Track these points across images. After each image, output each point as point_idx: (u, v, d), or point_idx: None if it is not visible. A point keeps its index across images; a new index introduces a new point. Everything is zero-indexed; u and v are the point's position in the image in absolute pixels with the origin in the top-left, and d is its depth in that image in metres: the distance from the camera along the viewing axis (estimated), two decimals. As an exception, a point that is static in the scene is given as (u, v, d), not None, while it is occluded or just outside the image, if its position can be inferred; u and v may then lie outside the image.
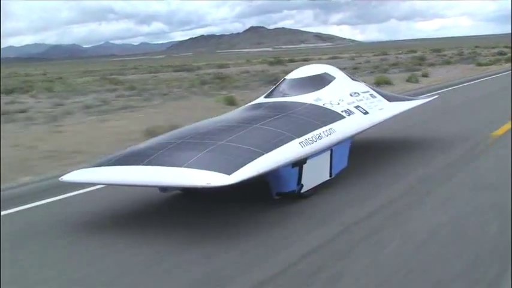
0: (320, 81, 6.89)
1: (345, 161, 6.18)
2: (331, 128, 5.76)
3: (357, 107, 6.61)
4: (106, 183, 5.39)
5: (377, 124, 6.88)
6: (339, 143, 5.88)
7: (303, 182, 5.37)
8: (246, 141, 5.00)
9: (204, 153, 4.76)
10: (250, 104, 6.98)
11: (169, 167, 4.66)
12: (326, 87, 6.79)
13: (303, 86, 6.80)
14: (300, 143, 5.21)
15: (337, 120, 6.04)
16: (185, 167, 4.57)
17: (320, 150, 5.50)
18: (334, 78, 7.07)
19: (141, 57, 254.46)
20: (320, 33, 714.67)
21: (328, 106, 6.33)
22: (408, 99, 8.09)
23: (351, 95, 6.85)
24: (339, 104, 6.47)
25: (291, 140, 5.18)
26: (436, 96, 9.76)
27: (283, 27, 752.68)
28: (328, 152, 5.74)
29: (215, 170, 4.43)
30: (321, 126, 5.68)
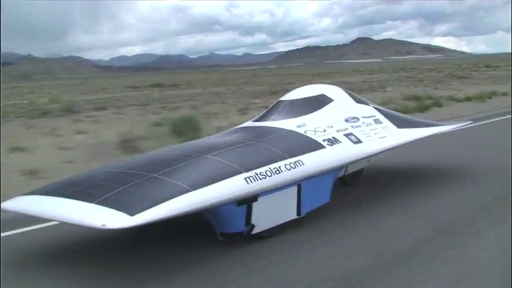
0: (314, 104, 6.14)
1: (326, 196, 5.39)
2: (298, 161, 4.99)
3: (348, 134, 5.78)
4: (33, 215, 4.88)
5: (374, 155, 6.00)
6: (314, 177, 5.10)
7: (253, 221, 4.68)
8: (180, 175, 4.41)
9: (126, 187, 4.25)
10: (234, 127, 6.36)
11: (82, 202, 4.17)
12: (318, 111, 6.04)
13: (294, 109, 6.12)
14: (246, 178, 4.52)
15: (313, 150, 5.26)
16: (95, 203, 4.08)
17: (279, 186, 4.76)
18: (332, 100, 6.27)
19: (252, 67, 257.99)
20: (429, 44, 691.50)
21: (309, 134, 5.56)
22: (430, 125, 7.04)
23: (346, 121, 6.02)
24: (324, 131, 5.68)
25: (236, 175, 4.50)
26: (470, 122, 8.49)
27: (390, 39, 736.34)
28: (294, 188, 4.98)
29: (119, 209, 3.91)
30: (286, 158, 4.94)
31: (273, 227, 4.89)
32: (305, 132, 5.59)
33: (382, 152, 6.16)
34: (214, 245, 4.68)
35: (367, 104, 6.68)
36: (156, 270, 4.27)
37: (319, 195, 5.32)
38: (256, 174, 4.61)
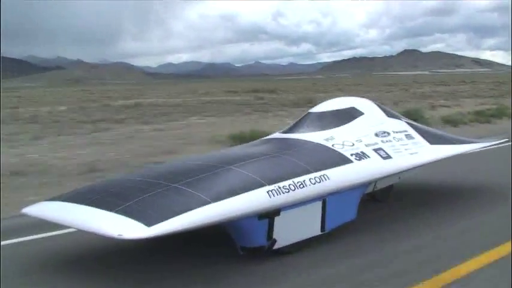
0: (343, 117, 6.02)
1: (352, 212, 5.26)
2: (324, 175, 4.88)
3: (377, 149, 5.62)
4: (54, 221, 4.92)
5: (403, 171, 5.83)
6: (340, 192, 4.99)
7: (275, 236, 4.58)
8: (201, 186, 4.36)
9: (146, 197, 4.24)
10: (262, 138, 6.30)
11: (101, 210, 4.18)
12: (347, 124, 5.92)
13: (323, 121, 6.01)
14: (268, 192, 4.43)
15: (340, 165, 5.14)
16: (114, 211, 4.08)
17: (302, 200, 4.67)
18: (362, 114, 6.14)
19: (297, 77, 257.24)
20: (478, 58, 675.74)
21: (337, 147, 5.44)
22: (465, 142, 6.80)
23: (376, 135, 5.87)
24: (353, 145, 5.54)
25: (258, 188, 4.42)
26: (506, 139, 8.15)
27: (438, 51, 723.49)
28: (319, 203, 4.87)
29: (137, 219, 3.88)
30: (310, 172, 4.83)
31: (295, 243, 4.80)
32: (333, 145, 5.48)
33: (412, 168, 5.97)
34: (234, 259, 4.61)
35: (399, 118, 6.51)
36: (169, 283, 4.24)
37: (345, 211, 5.20)
38: (279, 187, 4.52)
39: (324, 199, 4.90)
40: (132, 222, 3.86)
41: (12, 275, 4.49)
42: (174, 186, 4.39)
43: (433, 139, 6.34)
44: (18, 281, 4.40)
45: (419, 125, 6.74)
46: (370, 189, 5.93)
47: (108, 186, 4.73)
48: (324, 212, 4.94)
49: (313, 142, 5.53)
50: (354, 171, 5.19)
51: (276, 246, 4.63)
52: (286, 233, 4.65)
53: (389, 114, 6.45)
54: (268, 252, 4.62)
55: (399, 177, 6.34)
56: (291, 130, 6.12)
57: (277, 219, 4.55)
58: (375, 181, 5.62)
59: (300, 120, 6.30)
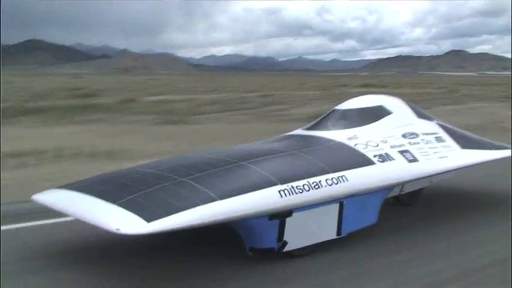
0: (370, 116, 5.72)
1: (372, 216, 4.98)
2: (342, 176, 4.61)
3: (403, 151, 5.31)
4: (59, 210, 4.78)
5: (430, 176, 5.50)
6: (359, 195, 4.72)
7: (286, 238, 4.35)
8: (210, 182, 4.17)
9: (151, 190, 4.07)
10: (283, 134, 6.05)
11: (104, 202, 4.03)
12: (373, 124, 5.62)
13: (348, 119, 5.74)
14: (280, 191, 4.20)
15: (361, 166, 4.86)
16: (117, 204, 3.92)
17: (317, 202, 4.42)
18: (391, 113, 5.82)
19: (342, 74, 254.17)
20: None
21: (359, 147, 5.16)
22: (501, 147, 6.37)
23: (403, 136, 5.55)
24: (377, 145, 5.25)
25: (269, 187, 4.20)
26: None
27: (486, 53, 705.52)
28: (335, 205, 4.61)
29: (138, 214, 3.72)
30: (328, 172, 4.58)
31: (308, 246, 4.55)
32: (355, 145, 5.19)
33: (440, 173, 5.63)
34: (242, 259, 4.41)
35: (430, 119, 6.15)
36: (171, 278, 4.09)
37: (365, 215, 4.91)
38: (292, 187, 4.28)
39: (341, 201, 4.63)
40: (131, 217, 3.70)
41: (12, 261, 4.44)
42: (182, 180, 4.21)
43: (466, 143, 5.97)
44: (18, 266, 4.36)
45: (452, 127, 6.37)
46: (396, 193, 5.64)
47: (117, 177, 4.58)
48: (341, 215, 4.68)
49: (334, 141, 5.27)
50: (375, 173, 4.91)
51: (286, 249, 4.40)
52: (298, 235, 4.42)
53: (420, 115, 6.10)
54: (278, 255, 4.40)
55: (430, 181, 6.02)
56: (314, 127, 5.86)
57: (288, 221, 4.32)
58: (399, 185, 5.31)
59: (324, 116, 6.04)
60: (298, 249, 4.48)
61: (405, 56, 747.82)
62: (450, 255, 4.68)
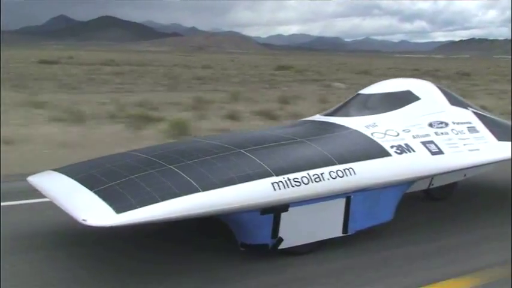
0: (394, 102, 5.20)
1: (387, 213, 4.52)
2: (349, 168, 4.16)
3: (426, 142, 4.77)
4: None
5: (460, 170, 4.96)
6: (371, 190, 4.27)
7: (281, 235, 3.98)
8: (198, 170, 3.84)
9: (133, 178, 3.79)
10: (300, 120, 5.64)
11: (84, 188, 3.79)
12: (397, 110, 5.09)
13: (370, 104, 5.27)
14: (273, 183, 3.82)
15: (374, 158, 4.38)
16: (94, 191, 3.67)
17: (317, 196, 4.01)
18: (419, 99, 5.26)
19: (414, 55, 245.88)
20: None
21: (376, 137, 4.67)
22: None
23: (430, 125, 4.99)
24: (397, 135, 4.74)
25: (262, 178, 3.82)
26: None
27: None
28: (342, 200, 4.18)
29: (110, 204, 3.45)
30: (333, 164, 4.14)
31: (308, 244, 4.16)
32: (372, 134, 4.70)
33: (471, 167, 5.06)
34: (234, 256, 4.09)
35: (465, 107, 5.52)
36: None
37: (378, 212, 4.44)
38: (289, 179, 3.88)
39: (349, 196, 4.19)
40: (102, 207, 3.45)
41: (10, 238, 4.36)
42: (168, 168, 3.90)
43: (504, 134, 5.33)
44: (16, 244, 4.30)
45: (492, 116, 5.73)
46: (424, 186, 5.15)
47: (108, 162, 4.34)
48: (348, 211, 4.24)
49: (350, 128, 4.80)
50: (390, 166, 4.42)
51: (282, 246, 4.03)
52: (295, 231, 4.05)
53: (454, 102, 5.48)
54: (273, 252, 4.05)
55: (465, 175, 5.47)
56: (333, 112, 5.40)
57: (284, 216, 3.93)
58: (421, 179, 4.78)
59: (347, 101, 5.56)
60: (297, 246, 4.10)
61: (478, 38, 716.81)
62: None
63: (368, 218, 4.39)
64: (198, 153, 4.13)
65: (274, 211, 3.89)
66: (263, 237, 3.95)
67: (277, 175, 3.87)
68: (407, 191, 4.82)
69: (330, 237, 4.23)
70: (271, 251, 4.01)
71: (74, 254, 4.15)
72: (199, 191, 3.58)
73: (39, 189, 4.21)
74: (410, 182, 4.64)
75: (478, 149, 4.98)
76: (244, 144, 4.33)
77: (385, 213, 4.50)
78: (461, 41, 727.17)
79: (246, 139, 4.58)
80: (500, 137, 5.24)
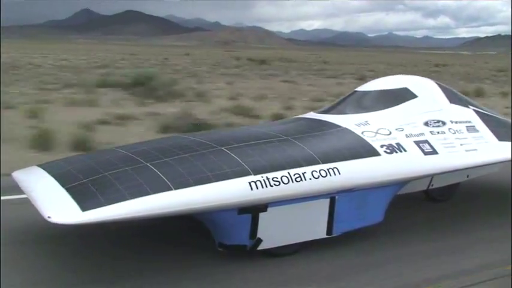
0: (390, 99, 5.01)
1: (376, 214, 4.35)
2: (333, 168, 3.99)
3: (420, 142, 4.57)
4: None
5: (456, 170, 4.75)
6: (358, 190, 4.10)
7: (260, 235, 3.83)
8: (173, 168, 3.73)
9: (106, 175, 3.71)
10: (293, 117, 5.48)
11: (58, 185, 3.72)
12: (391, 108, 4.91)
13: (365, 102, 5.11)
14: (250, 183, 3.67)
15: (360, 157, 4.20)
16: (65, 188, 3.60)
17: (298, 196, 3.85)
18: (415, 97, 5.05)
19: (439, 52, 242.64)
20: None
21: (367, 135, 4.48)
22: None
23: (426, 124, 4.78)
24: (389, 134, 4.55)
25: (239, 177, 3.68)
26: None
27: None
28: (325, 201, 4.01)
29: (77, 201, 3.38)
30: (317, 163, 3.97)
31: (289, 245, 4.01)
32: (362, 133, 4.51)
33: (465, 168, 4.84)
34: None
35: (466, 105, 5.29)
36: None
37: (366, 213, 4.27)
38: (267, 179, 3.73)
39: (333, 197, 4.02)
40: (68, 205, 3.37)
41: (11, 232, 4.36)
42: (145, 165, 3.78)
43: (506, 134, 5.09)
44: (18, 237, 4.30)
45: (495, 115, 5.48)
46: (423, 187, 4.97)
47: (89, 158, 4.28)
48: (332, 212, 4.06)
49: (340, 127, 4.62)
50: (378, 166, 4.24)
51: (261, 247, 3.89)
52: (275, 232, 3.91)
53: (454, 100, 5.25)
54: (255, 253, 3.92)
55: (467, 175, 5.25)
56: (327, 110, 5.25)
57: (262, 216, 3.79)
58: (413, 179, 4.57)
59: (343, 98, 5.39)
60: (278, 247, 3.95)
61: (504, 35, 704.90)
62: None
63: (355, 219, 4.23)
64: (178, 151, 4.01)
65: (252, 211, 3.76)
66: (241, 237, 3.82)
67: (255, 174, 3.73)
68: (405, 192, 4.68)
69: (313, 238, 4.09)
70: (255, 252, 3.87)
71: (69, 249, 4.15)
72: (172, 189, 3.47)
73: (20, 185, 4.13)
74: (402, 182, 4.45)
75: (475, 149, 4.77)
76: (228, 141, 4.19)
77: (375, 214, 4.33)
78: (486, 37, 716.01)
79: (231, 136, 4.44)
80: (501, 137, 5.01)
